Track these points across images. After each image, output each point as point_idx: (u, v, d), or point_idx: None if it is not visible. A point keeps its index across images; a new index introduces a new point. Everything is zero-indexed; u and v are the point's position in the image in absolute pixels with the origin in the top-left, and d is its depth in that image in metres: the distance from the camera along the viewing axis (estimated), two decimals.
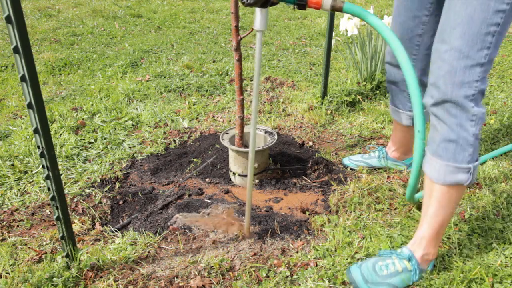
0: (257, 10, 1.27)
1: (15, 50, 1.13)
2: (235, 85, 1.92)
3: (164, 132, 2.58)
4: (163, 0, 6.88)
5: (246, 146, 2.08)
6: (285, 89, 3.24)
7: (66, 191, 1.98)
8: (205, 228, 1.74)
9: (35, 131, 1.24)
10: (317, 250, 1.59)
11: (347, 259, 1.53)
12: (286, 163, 2.23)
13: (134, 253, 1.59)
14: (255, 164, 2.02)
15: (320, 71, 3.69)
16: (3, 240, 1.70)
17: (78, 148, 2.37)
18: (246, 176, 2.03)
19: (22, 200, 1.94)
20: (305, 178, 2.13)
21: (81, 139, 2.46)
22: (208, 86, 3.26)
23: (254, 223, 1.78)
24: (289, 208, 1.90)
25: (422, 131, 1.37)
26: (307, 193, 2.02)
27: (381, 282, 1.40)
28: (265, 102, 2.99)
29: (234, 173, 2.07)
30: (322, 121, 2.69)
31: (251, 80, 3.40)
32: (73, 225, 1.74)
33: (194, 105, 2.97)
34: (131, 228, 1.75)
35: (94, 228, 1.75)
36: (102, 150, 2.37)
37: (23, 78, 1.17)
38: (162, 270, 1.52)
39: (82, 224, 1.77)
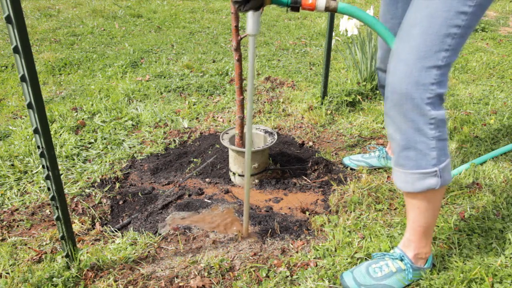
0: (249, 14, 1.26)
1: (15, 50, 1.13)
2: (235, 85, 1.92)
3: (164, 132, 2.58)
4: (163, 0, 6.88)
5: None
6: (285, 89, 3.24)
7: (66, 191, 1.98)
8: (202, 227, 1.74)
9: (35, 131, 1.24)
10: (317, 250, 1.59)
11: (347, 259, 1.53)
12: (286, 163, 2.23)
13: (134, 253, 1.59)
14: (255, 164, 2.02)
15: (320, 71, 3.69)
16: (3, 240, 1.70)
17: (78, 148, 2.37)
18: None
19: (22, 200, 1.94)
20: (305, 178, 2.13)
21: (81, 139, 2.46)
22: (208, 86, 3.26)
23: (254, 223, 1.78)
24: (289, 208, 1.90)
25: None
26: (307, 193, 2.02)
27: (376, 284, 1.39)
28: (265, 102, 2.99)
29: (234, 173, 2.07)
30: (322, 121, 2.69)
31: None
32: (73, 225, 1.74)
33: (194, 105, 2.97)
34: (131, 228, 1.75)
35: (94, 228, 1.75)
36: (102, 150, 2.37)
37: (23, 78, 1.17)
38: (162, 270, 1.52)
39: (82, 224, 1.77)
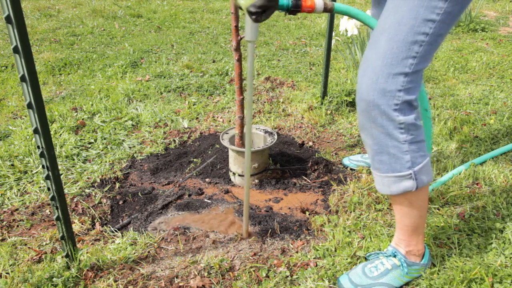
0: (248, 20, 1.26)
1: (15, 50, 1.13)
2: (235, 85, 1.92)
3: (164, 132, 2.58)
4: (163, 0, 6.88)
5: None
6: (285, 89, 3.24)
7: (66, 191, 1.98)
8: (202, 227, 1.74)
9: (35, 131, 1.24)
10: (317, 250, 1.59)
11: (347, 259, 1.53)
12: (286, 163, 2.23)
13: (134, 253, 1.59)
14: (255, 164, 2.02)
15: (320, 71, 3.69)
16: (3, 240, 1.70)
17: (78, 148, 2.37)
18: None
19: (22, 200, 1.94)
20: (305, 178, 2.13)
21: (81, 139, 2.46)
22: (208, 86, 3.26)
23: (254, 223, 1.78)
24: (289, 208, 1.90)
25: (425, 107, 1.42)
26: (307, 193, 2.02)
27: (373, 283, 1.40)
28: (265, 102, 2.99)
29: (234, 173, 2.07)
30: (322, 121, 2.69)
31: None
32: (73, 225, 1.74)
33: (194, 105, 2.97)
34: (131, 228, 1.75)
35: (94, 228, 1.75)
36: (102, 150, 2.37)
37: (23, 78, 1.17)
38: (162, 270, 1.52)
39: (82, 224, 1.77)
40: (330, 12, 1.40)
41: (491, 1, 6.64)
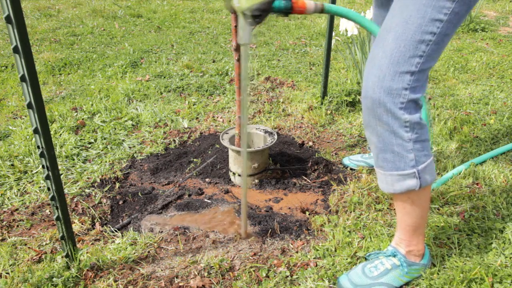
0: (241, 24, 1.26)
1: (15, 50, 1.13)
2: (235, 85, 1.92)
3: (164, 132, 2.58)
4: (163, 0, 6.88)
5: (248, 146, 2.08)
6: (285, 89, 3.24)
7: (66, 191, 1.98)
8: (202, 227, 1.74)
9: (35, 131, 1.24)
10: (317, 250, 1.59)
11: (347, 259, 1.53)
12: (286, 163, 2.23)
13: (134, 253, 1.59)
14: (255, 164, 2.02)
15: (320, 71, 3.69)
16: (3, 240, 1.70)
17: (78, 148, 2.37)
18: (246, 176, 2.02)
19: (22, 200, 1.94)
20: (305, 178, 2.13)
21: (81, 139, 2.46)
22: (208, 86, 3.26)
23: (254, 223, 1.78)
24: (289, 208, 1.90)
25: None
26: (307, 193, 2.02)
27: (372, 283, 1.40)
28: (265, 102, 2.99)
29: (234, 173, 2.07)
30: (322, 121, 2.69)
31: (251, 80, 3.40)
32: (73, 225, 1.74)
33: (194, 105, 2.97)
34: (131, 228, 1.75)
35: (94, 228, 1.75)
36: (102, 150, 2.37)
37: (23, 78, 1.17)
38: (162, 270, 1.52)
39: (82, 224, 1.77)
40: (322, 12, 1.39)
41: (491, 1, 6.64)
